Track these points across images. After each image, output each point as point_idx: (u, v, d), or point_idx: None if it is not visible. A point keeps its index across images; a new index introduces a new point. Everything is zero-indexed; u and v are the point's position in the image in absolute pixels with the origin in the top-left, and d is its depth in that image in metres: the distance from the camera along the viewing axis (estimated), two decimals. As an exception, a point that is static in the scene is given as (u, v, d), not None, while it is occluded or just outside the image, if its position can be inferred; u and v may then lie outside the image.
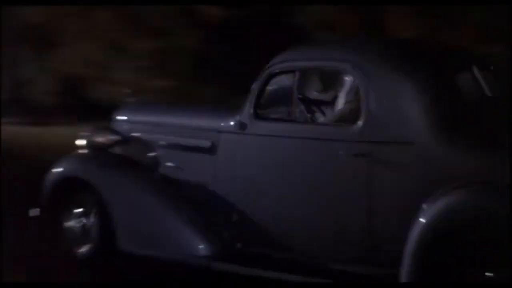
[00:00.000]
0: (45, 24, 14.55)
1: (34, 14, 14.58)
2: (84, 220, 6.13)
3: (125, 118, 6.49)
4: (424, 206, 4.67)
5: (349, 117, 5.13)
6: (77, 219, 6.16)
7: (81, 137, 6.43)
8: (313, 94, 5.64)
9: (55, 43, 14.64)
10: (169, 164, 6.06)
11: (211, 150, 5.75)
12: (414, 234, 4.64)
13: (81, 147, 6.37)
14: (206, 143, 5.78)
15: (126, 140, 6.36)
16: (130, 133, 6.36)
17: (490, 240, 4.48)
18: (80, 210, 6.14)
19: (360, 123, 5.01)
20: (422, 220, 4.63)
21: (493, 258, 4.51)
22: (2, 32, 14.42)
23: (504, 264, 4.45)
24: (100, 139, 6.38)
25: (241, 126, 5.56)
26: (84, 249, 6.11)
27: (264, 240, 5.44)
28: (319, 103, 5.62)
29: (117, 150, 6.36)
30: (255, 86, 5.55)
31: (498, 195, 4.49)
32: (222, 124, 5.70)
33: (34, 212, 6.36)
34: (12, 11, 14.55)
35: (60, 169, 6.22)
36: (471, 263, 4.55)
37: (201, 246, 5.58)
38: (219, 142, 5.70)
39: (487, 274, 4.50)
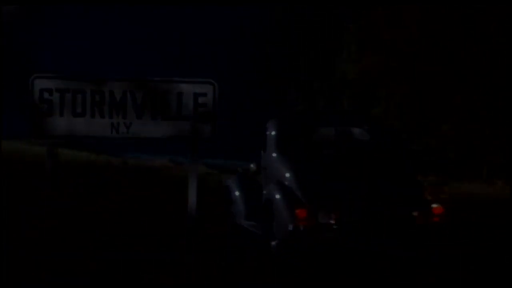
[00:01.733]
0: (362, 79, 18.50)
1: (350, 70, 18.68)
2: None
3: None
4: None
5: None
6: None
7: (244, 167, 12.77)
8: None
9: (371, 96, 18.17)
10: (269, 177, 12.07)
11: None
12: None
13: (237, 172, 12.75)
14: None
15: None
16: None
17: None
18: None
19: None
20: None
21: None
22: (324, 86, 18.75)
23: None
24: (249, 168, 12.60)
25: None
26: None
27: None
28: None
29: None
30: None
31: (289, 190, 9.80)
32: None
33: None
34: (331, 67, 18.48)
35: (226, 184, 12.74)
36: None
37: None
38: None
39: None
